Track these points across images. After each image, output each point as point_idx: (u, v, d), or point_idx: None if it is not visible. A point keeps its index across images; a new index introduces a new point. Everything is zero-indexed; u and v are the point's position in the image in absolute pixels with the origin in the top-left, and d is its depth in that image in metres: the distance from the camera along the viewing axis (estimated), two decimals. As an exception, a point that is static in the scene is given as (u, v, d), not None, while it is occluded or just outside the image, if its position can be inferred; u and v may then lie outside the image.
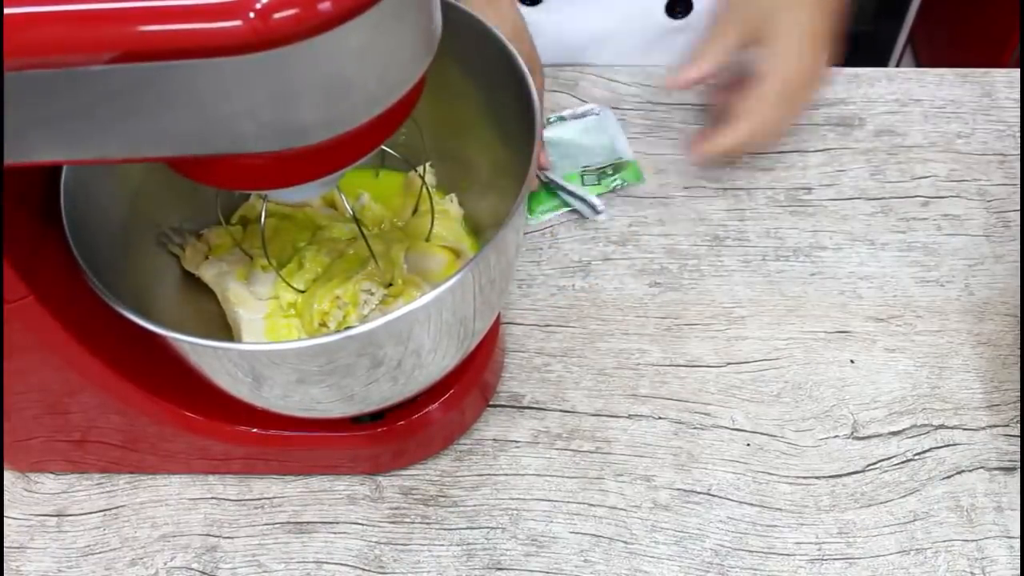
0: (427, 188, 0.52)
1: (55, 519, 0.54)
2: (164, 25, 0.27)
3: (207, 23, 0.27)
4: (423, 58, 0.33)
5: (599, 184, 0.66)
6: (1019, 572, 0.50)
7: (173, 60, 0.28)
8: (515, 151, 0.44)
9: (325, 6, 0.27)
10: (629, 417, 0.56)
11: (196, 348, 0.40)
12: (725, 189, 0.66)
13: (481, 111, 0.50)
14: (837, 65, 0.64)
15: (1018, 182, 0.66)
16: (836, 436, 0.55)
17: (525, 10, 0.72)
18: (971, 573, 0.50)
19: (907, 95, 0.71)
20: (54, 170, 0.41)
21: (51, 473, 0.55)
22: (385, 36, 0.30)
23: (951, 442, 0.55)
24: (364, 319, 0.49)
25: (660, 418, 0.56)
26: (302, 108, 0.30)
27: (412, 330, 0.40)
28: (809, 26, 0.61)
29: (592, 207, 0.64)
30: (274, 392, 0.43)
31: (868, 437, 0.55)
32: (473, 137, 0.52)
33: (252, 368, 0.41)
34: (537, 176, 0.66)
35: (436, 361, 0.45)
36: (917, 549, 0.51)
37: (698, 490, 0.54)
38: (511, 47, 0.44)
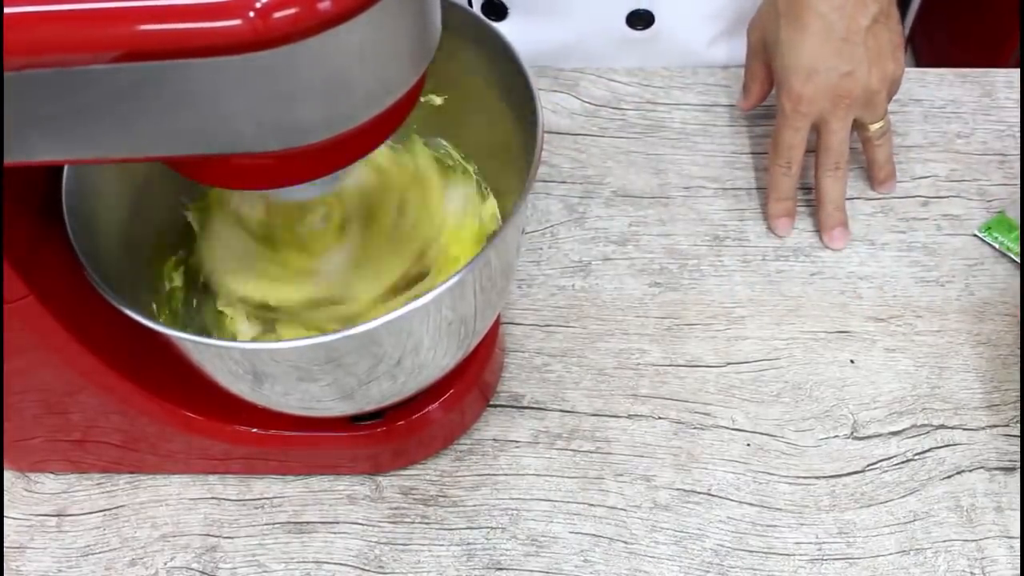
0: None
1: (55, 519, 0.54)
2: (164, 25, 0.27)
3: (207, 23, 0.27)
4: (423, 57, 0.33)
5: None
6: (1019, 572, 0.50)
7: (173, 60, 0.28)
8: (516, 150, 0.44)
9: (325, 6, 0.27)
10: (629, 417, 0.56)
11: (198, 346, 0.40)
12: (725, 189, 0.66)
13: (483, 110, 0.49)
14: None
15: (1018, 182, 0.66)
16: (836, 436, 0.55)
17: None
18: (971, 573, 0.50)
19: (907, 95, 0.71)
20: (54, 170, 0.41)
21: (51, 473, 0.55)
22: (385, 35, 0.30)
23: (951, 442, 0.55)
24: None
25: (660, 418, 0.56)
26: (302, 107, 0.30)
27: (412, 329, 0.40)
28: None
29: None
30: (275, 390, 0.43)
31: (868, 437, 0.55)
32: (474, 136, 0.52)
33: (253, 366, 0.41)
34: None
35: (436, 361, 0.45)
36: (917, 549, 0.51)
37: (698, 490, 0.54)
38: (512, 47, 0.44)
